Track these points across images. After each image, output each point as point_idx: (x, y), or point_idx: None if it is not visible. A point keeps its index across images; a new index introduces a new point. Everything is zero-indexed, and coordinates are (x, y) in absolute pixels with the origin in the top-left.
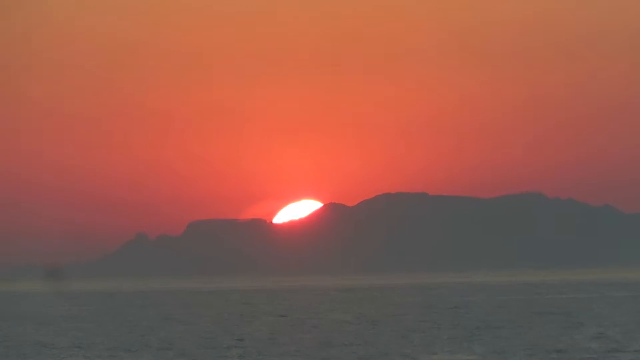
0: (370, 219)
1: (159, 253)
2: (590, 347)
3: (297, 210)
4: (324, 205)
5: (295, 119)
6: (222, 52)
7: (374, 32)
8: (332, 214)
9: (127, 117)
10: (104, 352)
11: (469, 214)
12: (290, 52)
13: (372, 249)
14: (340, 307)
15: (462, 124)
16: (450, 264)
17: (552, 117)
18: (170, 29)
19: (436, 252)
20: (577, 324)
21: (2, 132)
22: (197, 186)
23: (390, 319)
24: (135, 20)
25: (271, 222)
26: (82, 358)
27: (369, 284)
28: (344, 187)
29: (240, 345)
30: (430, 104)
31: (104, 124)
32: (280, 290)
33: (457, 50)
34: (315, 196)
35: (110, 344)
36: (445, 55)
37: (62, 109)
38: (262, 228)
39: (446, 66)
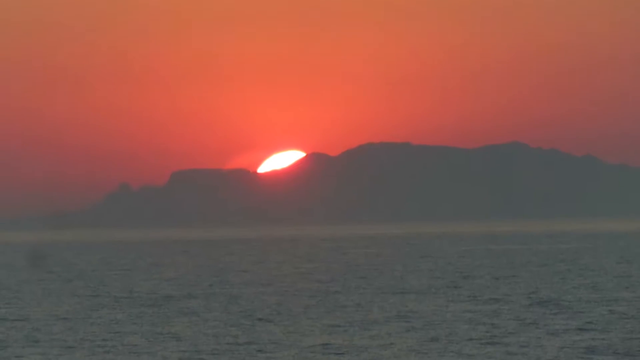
0: (354, 168)
1: (143, 203)
2: (581, 297)
3: (281, 160)
4: (307, 155)
5: (279, 70)
6: (206, 4)
7: None
8: (315, 164)
9: (111, 70)
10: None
11: (452, 163)
12: (275, 5)
13: (356, 199)
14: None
15: (447, 75)
16: (433, 213)
17: (536, 70)
18: None
19: (419, 202)
20: (564, 273)
21: None
22: (181, 136)
23: (367, 268)
24: None
25: (255, 172)
26: None
27: (352, 233)
28: (327, 136)
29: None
30: (415, 55)
31: (87, 77)
32: (270, 241)
33: (439, 4)
34: (299, 146)
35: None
36: (430, 7)
37: (46, 63)
38: (246, 178)
39: (431, 18)
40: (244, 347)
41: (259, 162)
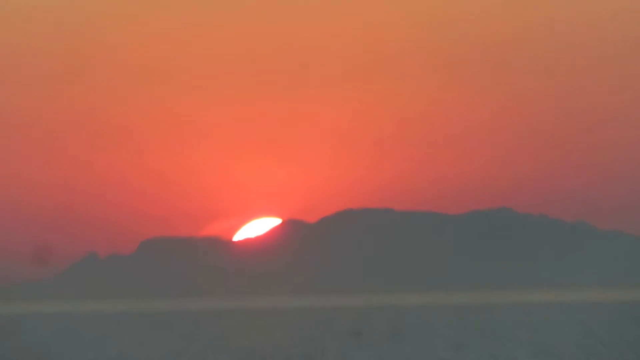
0: (332, 236)
1: (110, 273)
2: None
3: (257, 227)
4: (283, 222)
5: (253, 133)
6: (180, 65)
7: (335, 45)
8: (292, 231)
9: (80, 131)
10: None
11: (437, 230)
12: (250, 66)
13: (334, 267)
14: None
15: (429, 138)
16: (418, 281)
17: (523, 130)
18: (126, 44)
19: (402, 271)
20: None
21: None
22: (151, 202)
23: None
24: (90, 34)
25: (230, 240)
26: None
27: (330, 304)
28: (304, 202)
29: None
30: (395, 117)
31: (55, 138)
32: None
33: (425, 62)
34: (275, 213)
35: None
36: (412, 68)
37: (6, 120)
38: (221, 246)
39: (411, 79)
40: None
41: (234, 230)
